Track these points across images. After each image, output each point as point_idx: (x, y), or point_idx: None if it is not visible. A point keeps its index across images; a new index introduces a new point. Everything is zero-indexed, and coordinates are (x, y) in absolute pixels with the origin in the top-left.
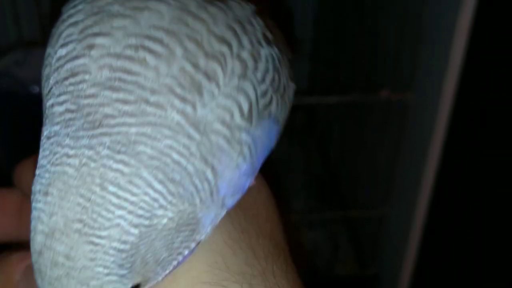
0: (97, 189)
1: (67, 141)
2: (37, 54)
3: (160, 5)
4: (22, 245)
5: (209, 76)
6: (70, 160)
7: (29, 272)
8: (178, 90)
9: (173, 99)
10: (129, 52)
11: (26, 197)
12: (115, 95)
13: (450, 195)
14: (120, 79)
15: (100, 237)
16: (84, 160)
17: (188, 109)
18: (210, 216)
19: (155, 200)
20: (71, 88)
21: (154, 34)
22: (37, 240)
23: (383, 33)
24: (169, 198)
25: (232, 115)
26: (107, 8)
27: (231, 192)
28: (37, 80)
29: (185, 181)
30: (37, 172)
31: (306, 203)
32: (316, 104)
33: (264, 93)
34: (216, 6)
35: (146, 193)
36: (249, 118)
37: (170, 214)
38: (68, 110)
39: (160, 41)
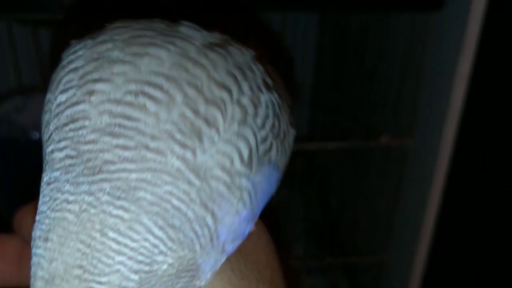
0: (97, 235)
1: (67, 187)
2: (37, 100)
3: (160, 51)
4: None
5: (209, 122)
6: (70, 206)
7: None
8: (178, 136)
9: (173, 145)
10: (129, 98)
11: (26, 243)
12: (115, 141)
13: (450, 241)
14: (120, 125)
15: (100, 283)
16: (84, 206)
17: (188, 155)
18: (210, 262)
19: (155, 246)
20: (71, 134)
21: (154, 80)
22: (37, 286)
23: (384, 79)
24: (169, 244)
25: (232, 161)
26: (107, 54)
27: (231, 238)
28: (37, 126)
29: (185, 227)
30: (37, 218)
31: (306, 249)
32: (316, 150)
33: (264, 139)
34: (216, 52)
35: (146, 239)
36: (249, 164)
37: (170, 260)
38: (68, 156)
39: (160, 87)
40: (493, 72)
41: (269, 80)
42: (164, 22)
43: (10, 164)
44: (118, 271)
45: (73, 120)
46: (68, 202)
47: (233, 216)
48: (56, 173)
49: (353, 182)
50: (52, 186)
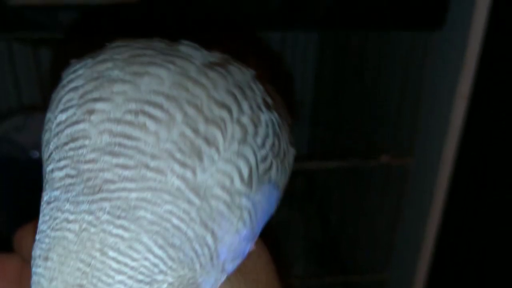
0: (97, 254)
1: (67, 206)
2: (37, 119)
3: (160, 70)
4: None
5: (209, 141)
6: (70, 225)
7: None
8: (178, 155)
9: (173, 164)
10: (129, 117)
11: (26, 262)
12: (115, 160)
13: (450, 260)
14: (120, 144)
15: None
16: (84, 225)
17: (188, 174)
18: (210, 281)
19: (155, 265)
20: (71, 153)
21: (154, 99)
22: None
23: (384, 98)
24: (169, 263)
25: (232, 180)
26: (107, 73)
27: (231, 257)
28: (37, 145)
29: (185, 246)
30: (37, 237)
31: (306, 268)
32: (315, 169)
33: (264, 158)
34: (216, 71)
35: (146, 258)
36: (249, 183)
37: (170, 279)
38: (68, 175)
39: (160, 106)
40: (493, 91)
41: (269, 99)
42: (164, 41)
43: (10, 183)
44: None
45: (73, 139)
46: (68, 221)
47: (233, 235)
48: (56, 192)
49: (353, 200)
50: (52, 205)
